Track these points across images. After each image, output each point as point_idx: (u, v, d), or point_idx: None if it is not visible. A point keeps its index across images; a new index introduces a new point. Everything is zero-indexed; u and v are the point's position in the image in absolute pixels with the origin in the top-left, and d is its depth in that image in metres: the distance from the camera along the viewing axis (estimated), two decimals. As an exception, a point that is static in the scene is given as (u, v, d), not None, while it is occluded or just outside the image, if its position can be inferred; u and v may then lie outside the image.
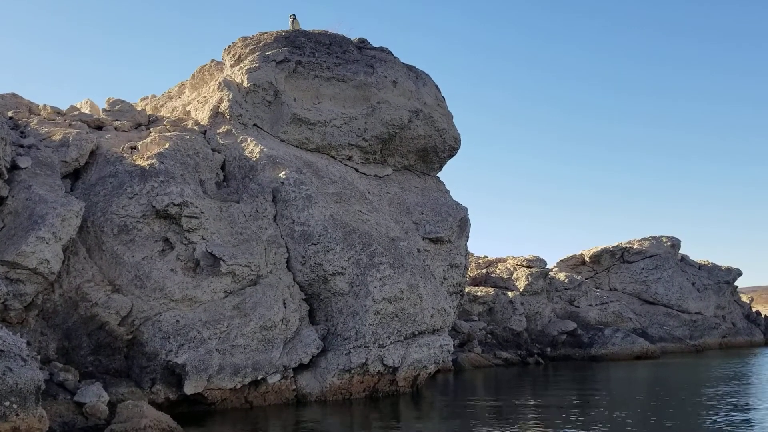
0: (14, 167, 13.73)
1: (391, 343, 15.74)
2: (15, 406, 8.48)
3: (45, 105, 17.80)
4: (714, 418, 12.64)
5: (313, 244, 15.64)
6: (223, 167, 16.65)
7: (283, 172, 16.20)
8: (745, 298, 44.41)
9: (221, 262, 14.30)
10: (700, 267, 37.72)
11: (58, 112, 17.59)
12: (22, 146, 14.51)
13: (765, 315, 43.49)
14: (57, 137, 15.11)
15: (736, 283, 39.12)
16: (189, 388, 13.36)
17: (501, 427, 12.02)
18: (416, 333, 16.38)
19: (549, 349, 29.53)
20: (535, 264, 31.75)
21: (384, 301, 15.66)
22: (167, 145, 15.54)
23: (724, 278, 37.50)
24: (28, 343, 11.39)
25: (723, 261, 39.11)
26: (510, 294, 30.01)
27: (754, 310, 42.82)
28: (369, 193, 18.36)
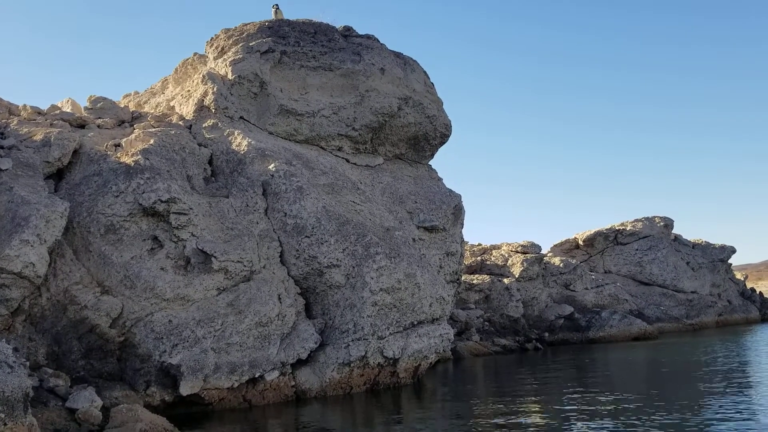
0: (-6, 169, 13.28)
1: (390, 334, 15.43)
2: (2, 415, 8.11)
3: (25, 105, 17.32)
4: (718, 399, 12.43)
5: (306, 236, 15.29)
6: (210, 162, 16.27)
7: (272, 165, 15.83)
8: (738, 276, 44.42)
9: (213, 258, 13.93)
10: (694, 246, 37.66)
11: (39, 112, 17.12)
12: (2, 147, 14.06)
13: (760, 291, 43.53)
14: (38, 137, 14.67)
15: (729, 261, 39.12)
16: (185, 389, 13.01)
17: (505, 416, 11.77)
18: (415, 323, 16.09)
19: (547, 334, 29.35)
20: (530, 249, 31.54)
21: (381, 292, 15.33)
22: (152, 141, 15.13)
23: (718, 256, 37.47)
24: (16, 350, 11.00)
25: (712, 240, 39.03)
26: (506, 281, 29.79)
27: (748, 287, 42.86)
28: (361, 183, 18.00)
